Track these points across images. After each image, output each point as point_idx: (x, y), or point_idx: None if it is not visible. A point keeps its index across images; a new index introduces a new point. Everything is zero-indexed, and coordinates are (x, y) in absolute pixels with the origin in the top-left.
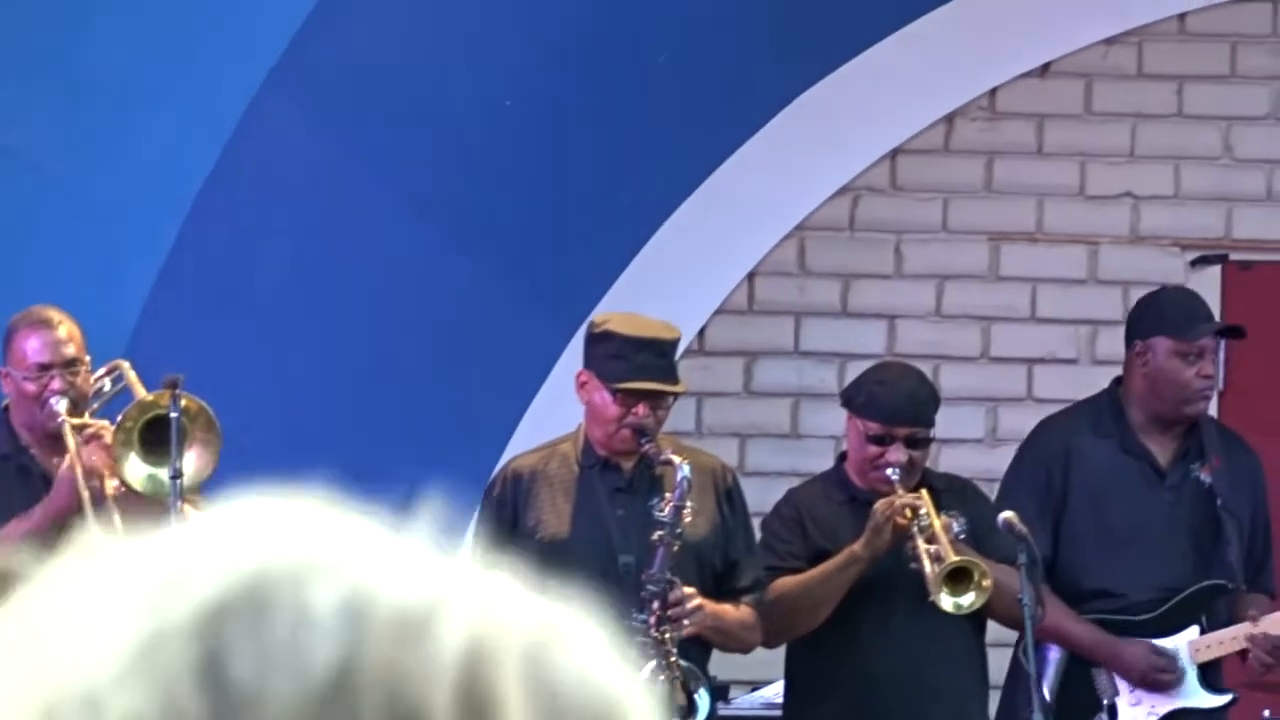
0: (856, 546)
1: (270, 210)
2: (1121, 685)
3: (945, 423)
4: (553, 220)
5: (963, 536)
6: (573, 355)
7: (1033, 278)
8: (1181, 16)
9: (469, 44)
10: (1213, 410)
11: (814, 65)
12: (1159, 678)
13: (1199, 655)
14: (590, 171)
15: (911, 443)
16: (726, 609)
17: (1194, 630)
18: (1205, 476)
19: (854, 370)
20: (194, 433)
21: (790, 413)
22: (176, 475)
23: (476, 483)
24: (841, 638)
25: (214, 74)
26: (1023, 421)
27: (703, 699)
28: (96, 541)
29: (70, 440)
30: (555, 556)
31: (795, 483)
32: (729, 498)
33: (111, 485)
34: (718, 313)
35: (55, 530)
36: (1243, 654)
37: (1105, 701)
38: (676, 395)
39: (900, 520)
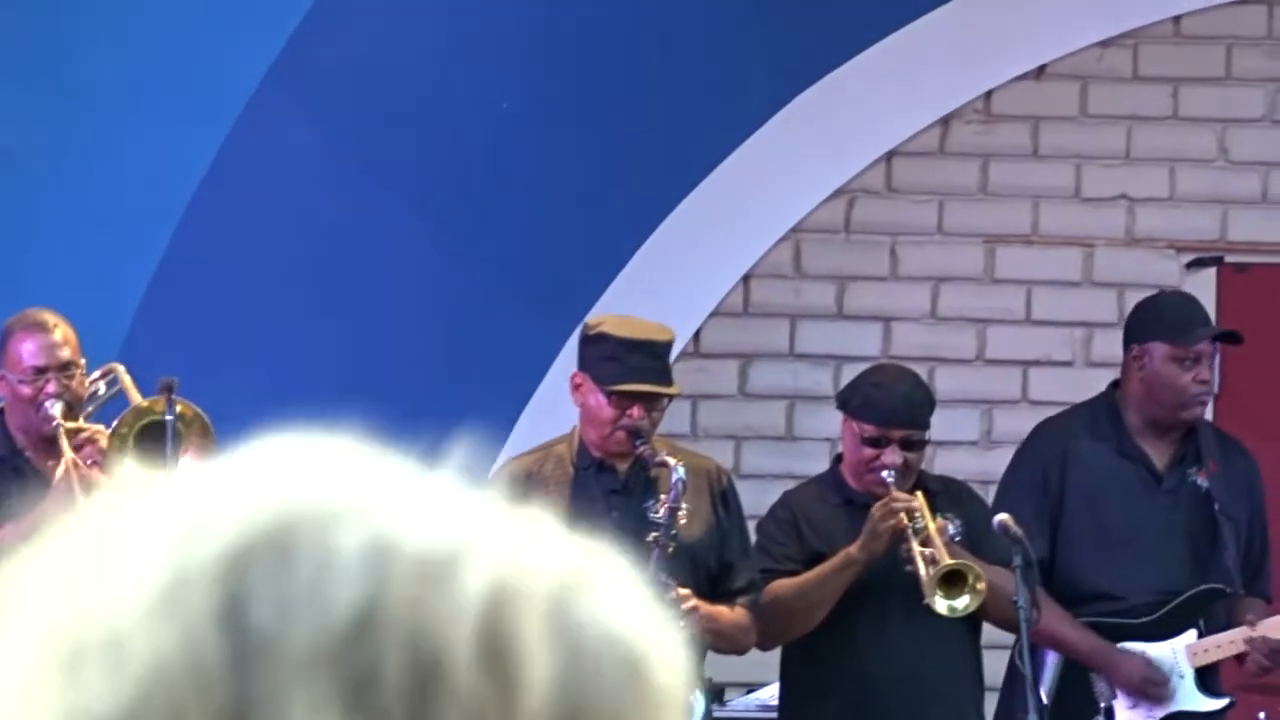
0: (853, 549)
1: (265, 212)
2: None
3: (940, 425)
4: (549, 223)
5: (958, 539)
6: (568, 357)
7: (1028, 280)
8: (1177, 19)
9: (465, 45)
10: (1208, 413)
11: (809, 68)
12: (1151, 690)
13: (1197, 659)
14: (586, 174)
15: (907, 445)
16: (721, 610)
17: (1192, 634)
18: (1202, 481)
19: (849, 373)
20: (189, 437)
21: (785, 415)
22: None
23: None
24: (837, 640)
25: (210, 75)
26: (1018, 424)
27: (698, 701)
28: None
29: (65, 444)
30: None
31: (790, 485)
32: (724, 499)
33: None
34: (713, 315)
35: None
36: (1240, 658)
37: (1102, 705)
38: (671, 397)
39: (895, 521)
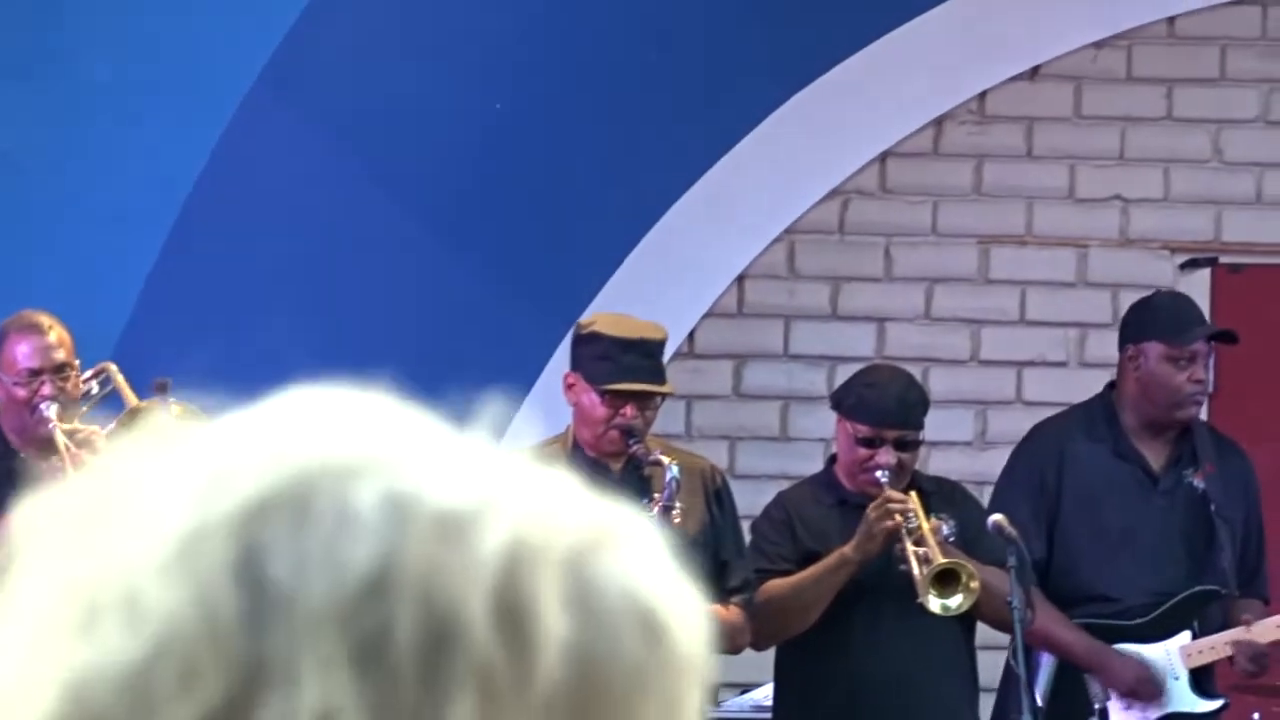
0: (848, 549)
1: (260, 212)
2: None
3: (934, 425)
4: (543, 223)
5: (952, 539)
6: (562, 357)
7: (1022, 281)
8: (1171, 20)
9: (459, 45)
10: (1203, 414)
11: (803, 69)
12: (1145, 691)
13: (1191, 660)
14: (581, 174)
15: (901, 445)
16: (716, 610)
17: (1186, 635)
18: (1198, 482)
19: (843, 373)
20: None
21: (780, 415)
22: None
23: None
24: (831, 640)
25: (204, 75)
26: (1012, 424)
27: None
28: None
29: (61, 445)
30: None
31: (785, 485)
32: (718, 499)
33: None
34: (707, 316)
35: None
36: (1233, 659)
37: (1097, 706)
38: (664, 396)
39: (891, 522)
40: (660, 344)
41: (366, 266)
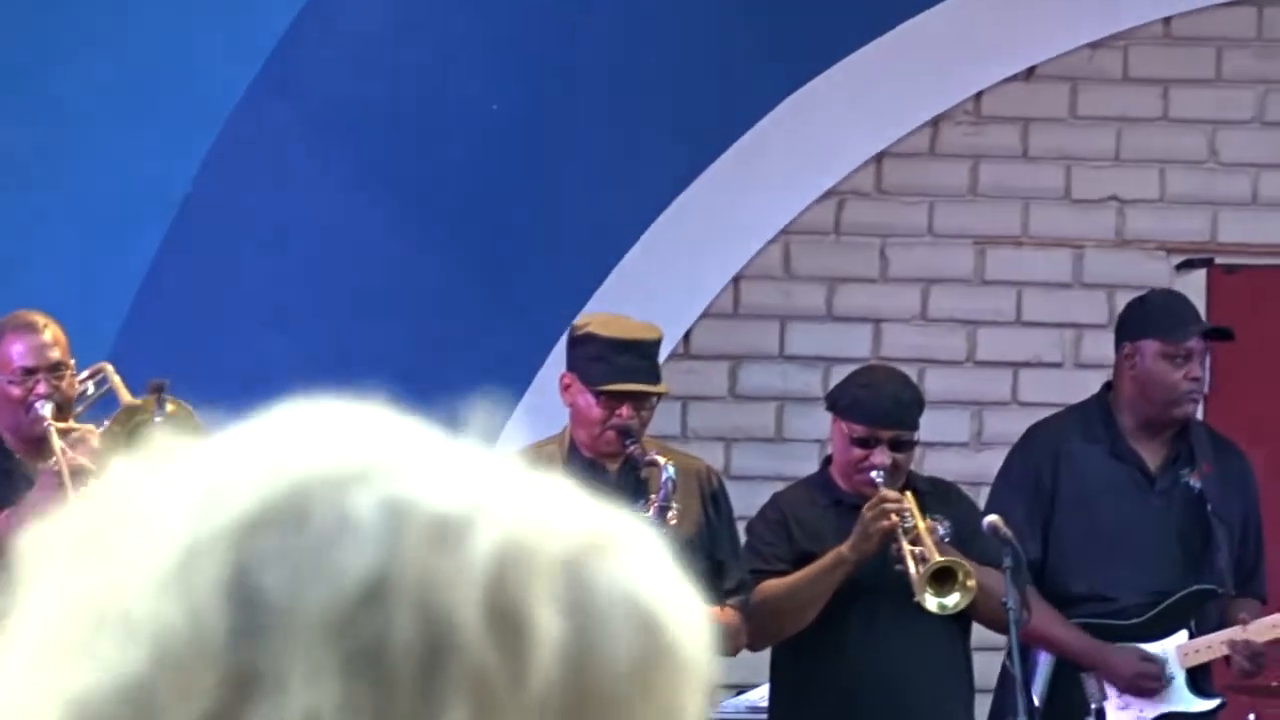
0: (844, 549)
1: (255, 214)
2: (1110, 690)
3: (930, 426)
4: (538, 225)
5: (947, 539)
6: (557, 359)
7: (1018, 281)
8: (1166, 20)
9: (455, 47)
10: (1199, 414)
11: (799, 69)
12: (1146, 684)
13: (1188, 659)
14: (576, 176)
15: (896, 446)
16: (712, 612)
17: (1183, 635)
18: (1195, 482)
19: (839, 374)
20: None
21: (775, 416)
22: None
23: None
24: (827, 640)
25: (201, 77)
26: (1008, 425)
27: None
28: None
29: (57, 445)
30: None
31: (780, 486)
32: (714, 500)
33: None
34: (703, 317)
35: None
36: (1229, 658)
37: (1094, 706)
38: (660, 396)
39: (887, 522)
40: (655, 344)
41: (362, 266)
